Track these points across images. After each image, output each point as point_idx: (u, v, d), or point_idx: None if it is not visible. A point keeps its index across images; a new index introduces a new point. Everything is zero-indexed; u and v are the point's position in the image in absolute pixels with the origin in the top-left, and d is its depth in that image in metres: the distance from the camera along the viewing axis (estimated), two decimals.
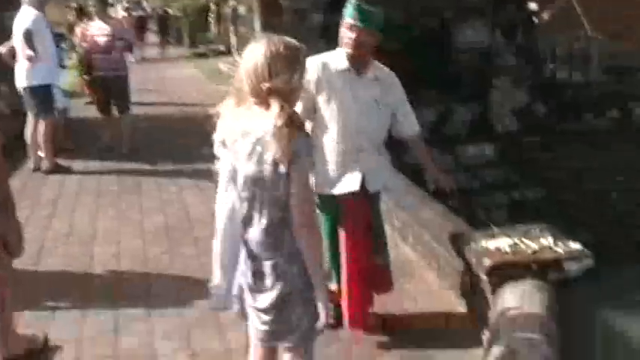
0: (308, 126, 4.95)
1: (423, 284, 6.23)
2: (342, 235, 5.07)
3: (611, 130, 15.20)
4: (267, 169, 3.30)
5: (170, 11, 37.07)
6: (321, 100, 5.01)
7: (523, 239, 4.99)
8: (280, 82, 3.27)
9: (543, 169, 12.97)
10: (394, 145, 5.35)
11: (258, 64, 3.28)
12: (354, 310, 5.15)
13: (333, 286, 5.19)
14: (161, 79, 21.48)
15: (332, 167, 5.05)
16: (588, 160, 13.48)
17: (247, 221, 3.47)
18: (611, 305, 9.10)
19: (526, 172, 12.81)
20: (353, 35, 4.90)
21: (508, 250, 4.87)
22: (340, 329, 5.27)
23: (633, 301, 9.74)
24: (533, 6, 19.70)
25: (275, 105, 3.24)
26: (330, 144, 5.04)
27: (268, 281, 3.46)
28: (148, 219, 8.24)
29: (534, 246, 4.89)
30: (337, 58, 5.06)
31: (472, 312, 5.40)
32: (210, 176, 3.70)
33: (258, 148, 3.31)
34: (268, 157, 3.27)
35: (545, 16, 21.23)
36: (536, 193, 12.70)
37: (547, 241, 4.96)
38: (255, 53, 3.32)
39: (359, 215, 5.04)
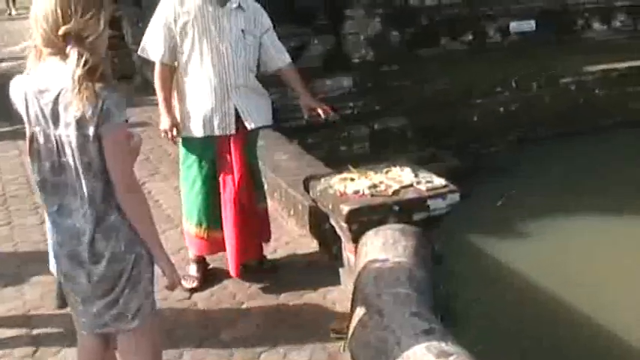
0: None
1: (282, 233, 5.88)
2: (223, 179, 4.80)
3: (467, 52, 15.17)
4: (72, 132, 2.78)
5: None
6: (183, 36, 4.72)
7: (383, 179, 4.61)
8: (78, 25, 2.74)
9: (403, 96, 12.76)
10: None
11: (49, 7, 2.74)
12: (243, 258, 4.96)
13: (197, 231, 4.98)
14: (5, 33, 20.14)
15: (204, 107, 4.75)
16: (447, 83, 13.38)
17: (59, 195, 2.95)
18: (478, 236, 9.02)
19: (386, 101, 12.58)
20: None
21: (367, 192, 4.49)
22: (196, 294, 4.93)
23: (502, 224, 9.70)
24: None
25: (73, 53, 2.72)
26: (199, 82, 4.75)
27: (89, 261, 2.95)
28: None
29: (395, 185, 4.52)
30: None
31: (334, 260, 5.06)
32: None
33: (59, 108, 2.78)
34: (71, 118, 2.75)
35: None
36: (397, 121, 12.47)
37: (409, 178, 4.60)
38: None
39: (238, 156, 4.78)
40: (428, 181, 4.56)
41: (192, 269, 5.14)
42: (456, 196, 4.51)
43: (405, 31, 14.09)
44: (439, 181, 4.58)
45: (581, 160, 12.13)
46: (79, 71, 2.68)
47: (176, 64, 4.82)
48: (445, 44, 15.17)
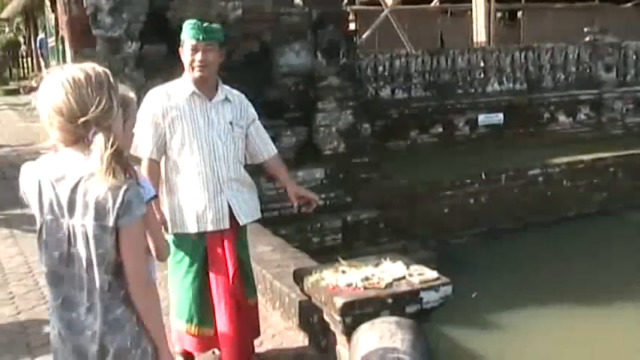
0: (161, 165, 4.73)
1: (267, 326, 5.76)
2: (215, 274, 4.68)
3: (436, 144, 15.39)
4: (89, 222, 2.72)
5: None
6: (172, 132, 4.64)
7: (374, 272, 4.59)
8: (99, 112, 2.69)
9: (374, 188, 12.86)
10: None
11: (60, 101, 2.68)
12: (243, 357, 4.79)
13: (187, 328, 4.81)
14: None
15: (196, 203, 4.66)
16: (417, 176, 13.53)
17: (64, 287, 2.86)
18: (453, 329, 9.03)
19: (357, 193, 12.65)
20: (198, 55, 4.57)
21: (360, 285, 4.46)
22: None
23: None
24: (352, 26, 19.81)
25: (99, 136, 2.67)
26: (191, 177, 4.66)
27: (95, 356, 2.85)
28: None
29: (388, 278, 4.50)
30: (182, 84, 4.70)
31: (324, 354, 4.98)
32: (27, 224, 3.08)
33: (76, 197, 2.72)
34: (90, 206, 2.70)
35: (365, 35, 21.40)
36: (369, 213, 12.54)
37: (401, 271, 4.58)
38: (53, 91, 2.71)
39: (230, 251, 4.68)
40: (420, 274, 4.55)
41: None
42: (449, 289, 4.50)
43: (376, 123, 14.25)
44: (431, 274, 4.56)
45: (548, 251, 12.31)
46: (108, 151, 2.63)
47: (163, 159, 4.75)
48: (415, 137, 15.40)
